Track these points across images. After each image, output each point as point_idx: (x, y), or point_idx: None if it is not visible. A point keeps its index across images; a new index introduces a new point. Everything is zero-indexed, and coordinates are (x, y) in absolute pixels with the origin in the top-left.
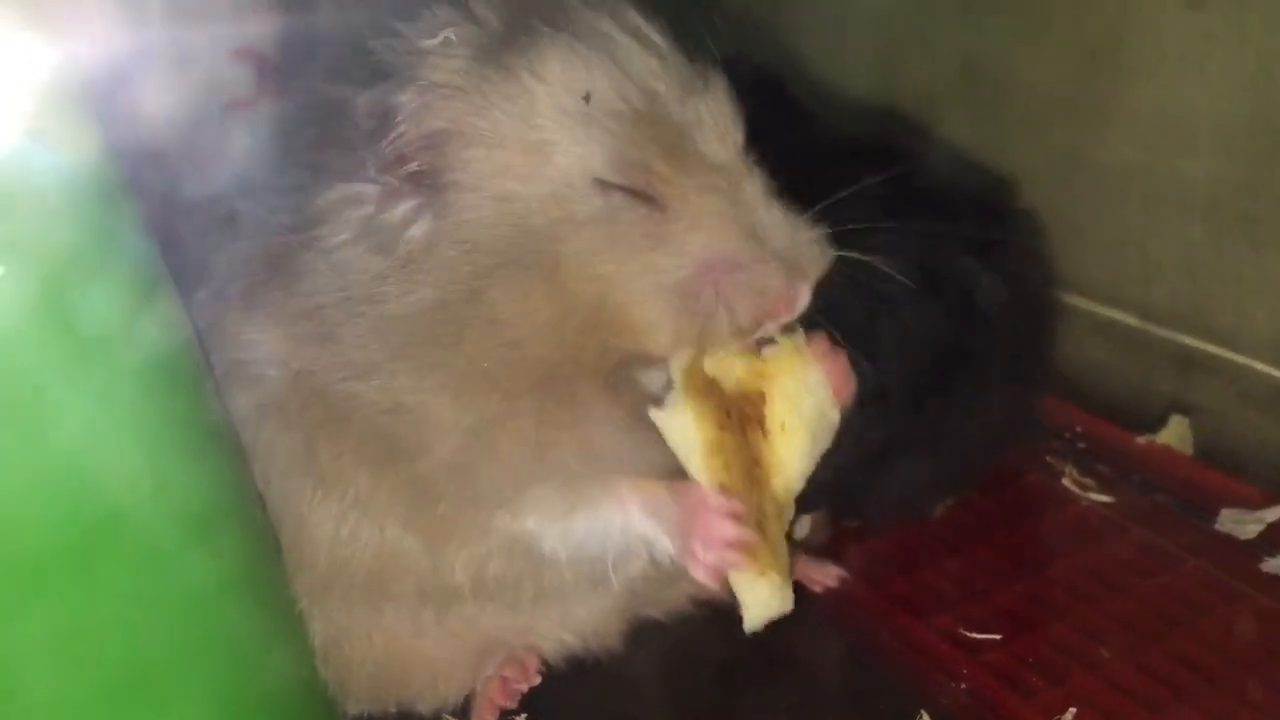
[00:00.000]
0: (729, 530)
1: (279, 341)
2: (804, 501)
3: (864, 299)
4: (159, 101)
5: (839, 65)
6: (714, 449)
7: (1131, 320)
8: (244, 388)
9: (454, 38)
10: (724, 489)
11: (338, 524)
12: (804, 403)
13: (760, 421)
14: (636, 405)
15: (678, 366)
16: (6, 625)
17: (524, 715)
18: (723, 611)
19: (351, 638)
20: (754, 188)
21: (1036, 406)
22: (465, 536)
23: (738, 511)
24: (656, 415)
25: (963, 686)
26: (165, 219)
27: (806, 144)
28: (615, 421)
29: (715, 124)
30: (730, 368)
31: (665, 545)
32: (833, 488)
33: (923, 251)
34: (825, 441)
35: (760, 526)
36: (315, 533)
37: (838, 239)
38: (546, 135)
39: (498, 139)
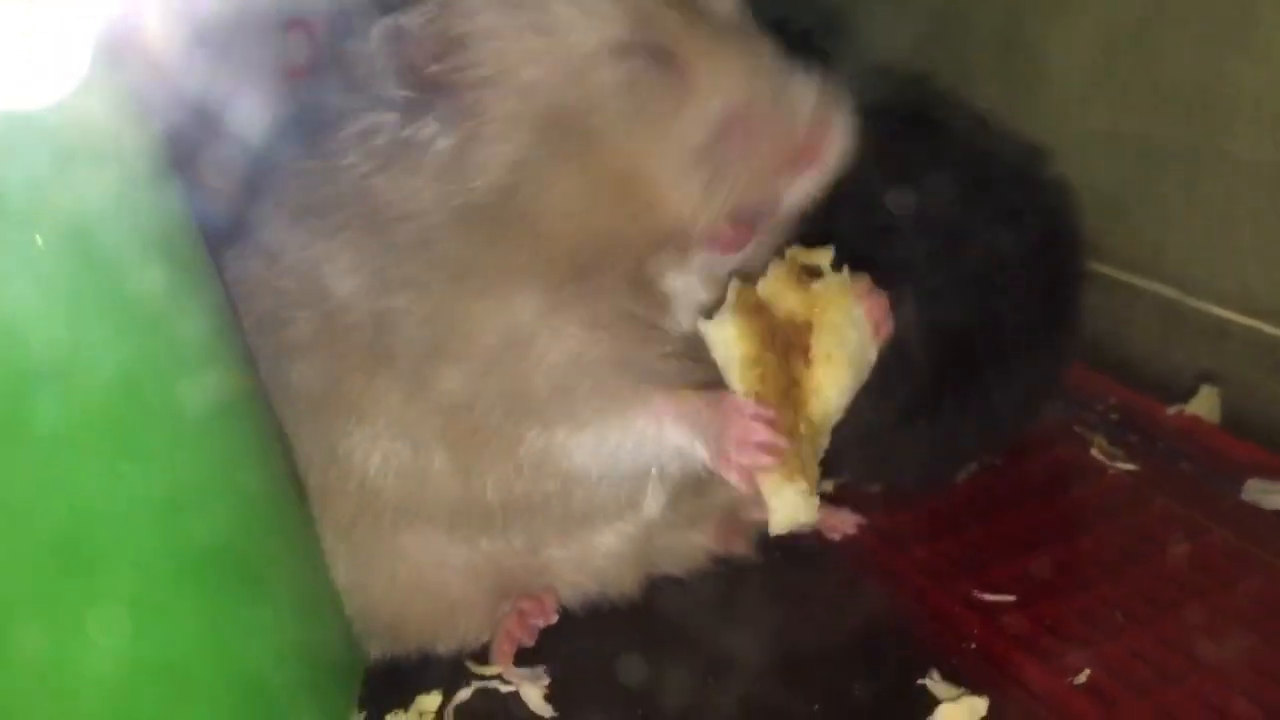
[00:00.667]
0: (761, 433)
1: (308, 282)
2: (827, 465)
3: (886, 260)
4: (206, 67)
5: (879, 37)
6: (753, 362)
7: (1166, 291)
8: (273, 333)
9: None
10: (759, 398)
11: (369, 451)
12: (848, 336)
13: (804, 350)
14: (665, 321)
15: (733, 285)
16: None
17: (543, 667)
18: (738, 567)
19: (376, 576)
20: (766, 46)
21: (1064, 376)
22: (496, 451)
23: (771, 416)
24: (704, 324)
25: (973, 647)
26: (206, 186)
27: None
28: (647, 328)
29: None
30: (781, 296)
31: (699, 451)
32: (856, 450)
33: (947, 214)
34: (862, 377)
35: (793, 439)
36: (345, 464)
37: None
38: (558, 12)
39: (510, 30)
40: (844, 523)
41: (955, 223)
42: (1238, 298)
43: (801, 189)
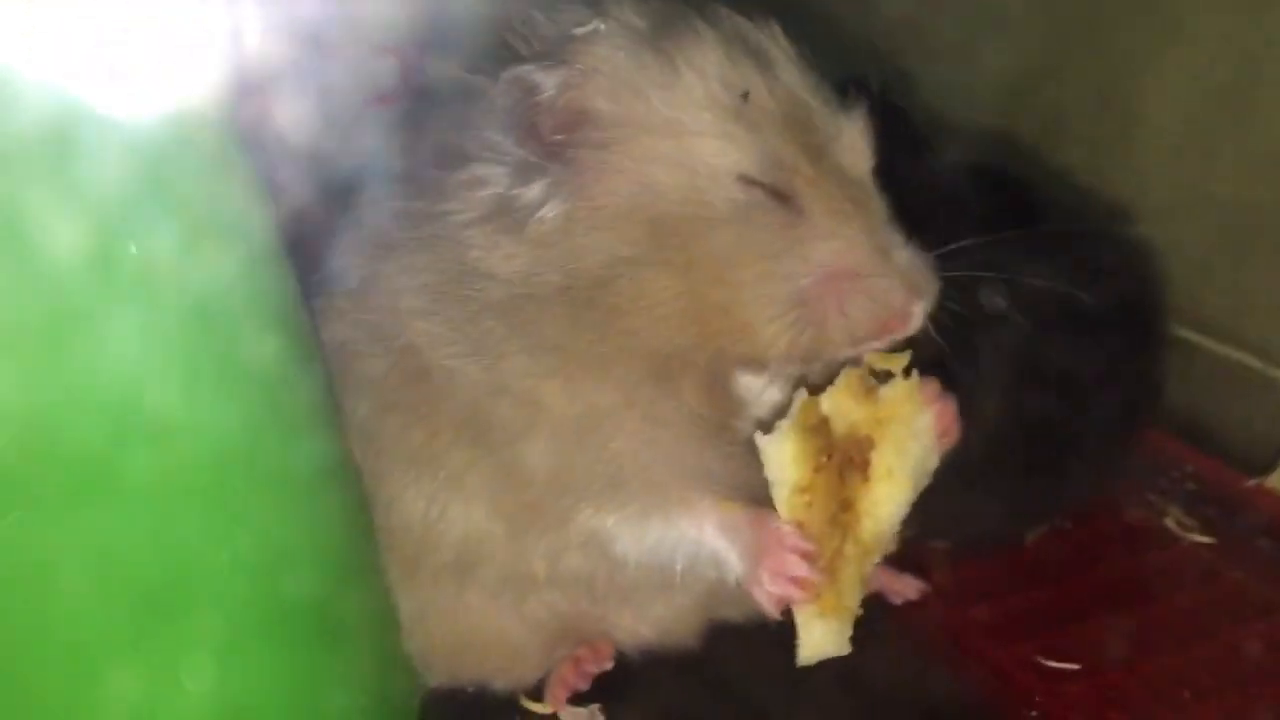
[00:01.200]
0: (798, 567)
1: (387, 318)
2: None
3: (964, 315)
4: (301, 95)
5: (966, 95)
6: (804, 488)
7: (1251, 361)
8: (347, 366)
9: (603, 28)
10: (802, 526)
11: (428, 504)
12: (911, 450)
13: (863, 466)
14: (734, 421)
15: (798, 399)
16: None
17: (597, 705)
18: None
19: (436, 614)
20: (881, 209)
21: (1141, 440)
22: (546, 526)
23: (810, 551)
24: (760, 440)
25: (1033, 714)
26: (299, 212)
27: (920, 171)
28: (709, 434)
29: (853, 142)
30: (847, 410)
31: (735, 567)
32: (924, 506)
33: (1028, 271)
34: (920, 488)
35: (834, 569)
36: (407, 512)
37: (945, 257)
38: (697, 126)
39: (647, 124)
40: (907, 587)
41: (1034, 279)
42: None
43: (876, 347)
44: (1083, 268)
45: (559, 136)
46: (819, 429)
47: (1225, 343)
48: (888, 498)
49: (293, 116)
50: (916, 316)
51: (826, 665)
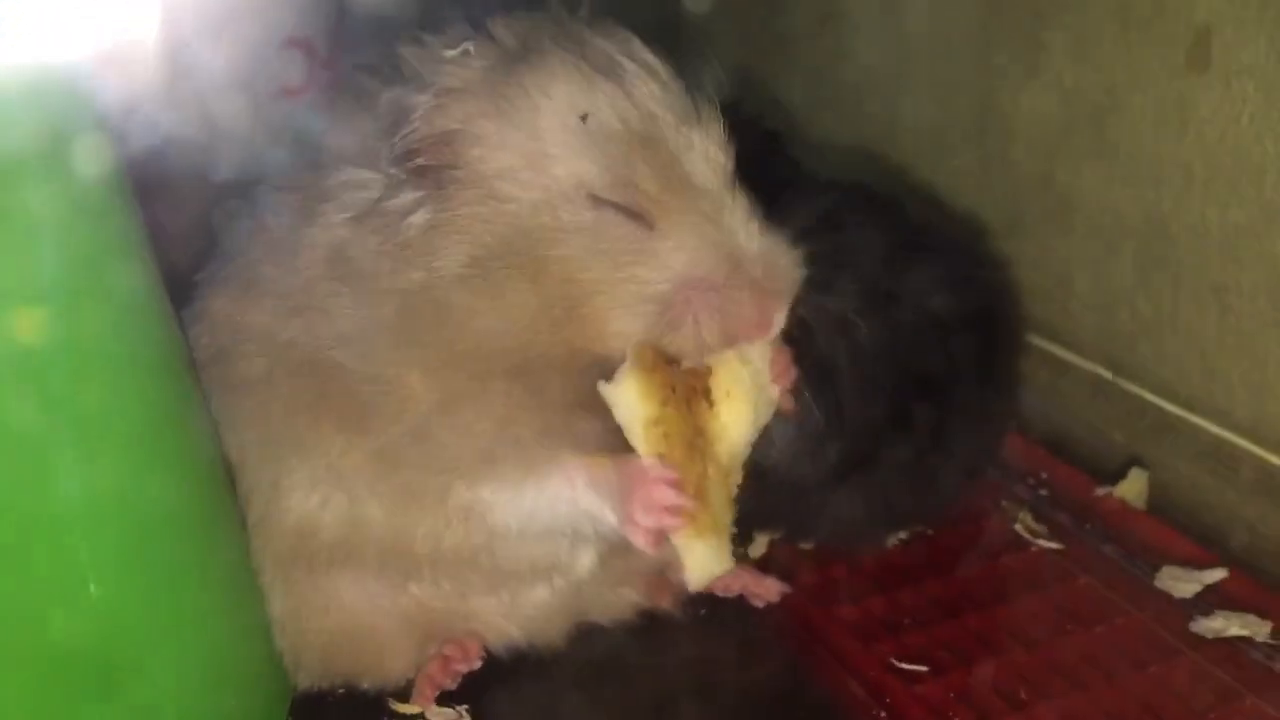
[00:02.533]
0: (666, 496)
1: (268, 317)
2: (759, 520)
3: (822, 318)
4: (208, 86)
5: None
6: (655, 421)
7: (1103, 372)
8: (229, 365)
9: (472, 50)
10: (663, 458)
11: (309, 490)
12: (743, 374)
13: (705, 393)
14: (594, 391)
15: (630, 344)
16: None
17: (465, 706)
18: (662, 621)
19: (309, 611)
20: (737, 213)
21: (1000, 447)
22: (424, 505)
23: (674, 479)
24: (604, 388)
25: (883, 715)
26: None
27: (792, 189)
28: (574, 407)
29: (706, 151)
30: None
31: (608, 517)
32: (789, 506)
33: (886, 277)
34: (766, 415)
35: (701, 493)
36: (287, 500)
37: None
38: (546, 147)
39: (501, 144)
40: (768, 590)
41: (894, 286)
42: (1167, 385)
43: (740, 346)
44: (941, 277)
45: (425, 160)
46: (657, 367)
47: (1082, 354)
48: (734, 416)
49: (198, 106)
50: (773, 322)
51: (688, 664)
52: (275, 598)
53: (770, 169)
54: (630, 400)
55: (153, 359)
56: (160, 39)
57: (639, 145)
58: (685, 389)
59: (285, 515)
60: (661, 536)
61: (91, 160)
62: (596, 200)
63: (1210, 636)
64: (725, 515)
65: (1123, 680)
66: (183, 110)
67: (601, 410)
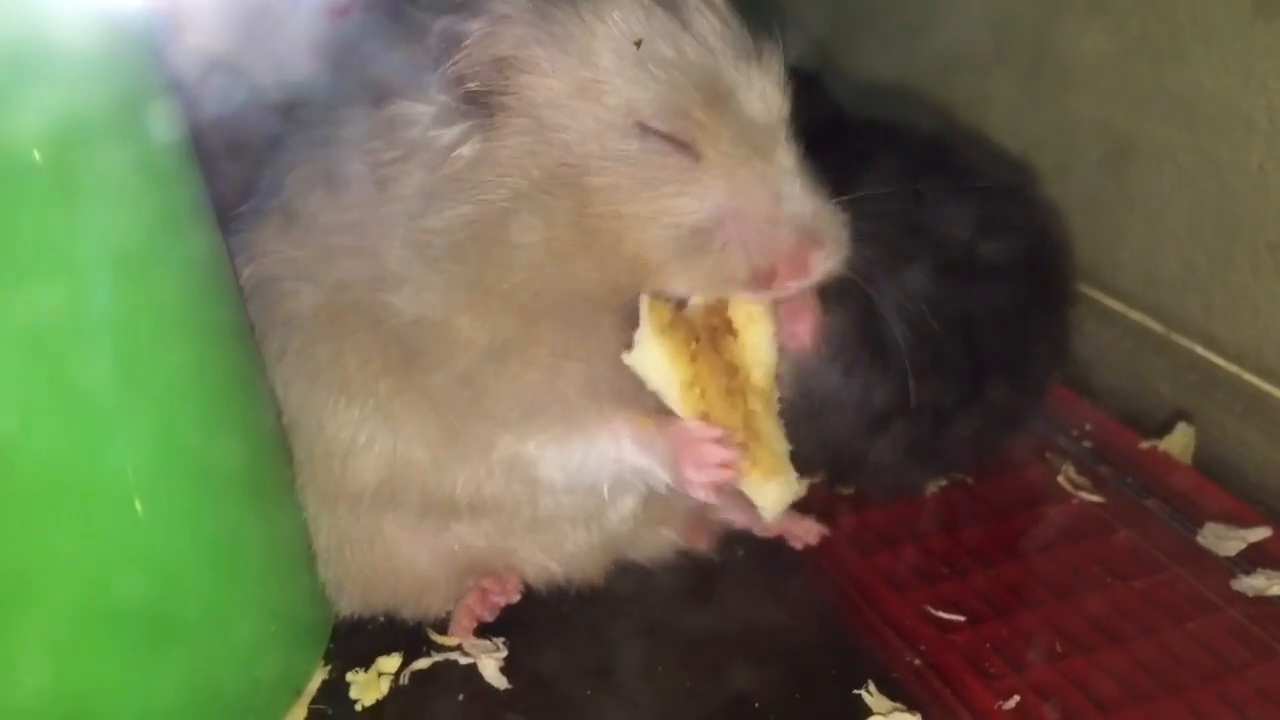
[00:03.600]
0: (716, 454)
1: (316, 254)
2: (799, 464)
3: (867, 263)
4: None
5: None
6: (690, 383)
7: (1154, 324)
8: (276, 301)
9: None
10: (706, 417)
11: (356, 430)
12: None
13: (727, 326)
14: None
15: (644, 307)
16: None
17: (501, 639)
18: (699, 564)
19: (353, 545)
20: (786, 155)
21: (1043, 397)
22: (468, 453)
23: (719, 435)
24: (629, 359)
25: (917, 662)
26: (223, 129)
27: (837, 135)
28: (619, 359)
29: (762, 89)
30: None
31: (660, 475)
32: (829, 452)
33: (931, 221)
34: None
35: (751, 432)
36: (333, 439)
37: (852, 206)
38: (598, 75)
39: (553, 71)
40: (808, 532)
41: (936, 231)
42: (1216, 339)
43: (779, 291)
44: (989, 222)
45: (476, 87)
46: (675, 323)
47: (1131, 305)
48: (759, 339)
49: (239, 29)
50: (816, 265)
51: (722, 607)
52: (320, 530)
53: (809, 111)
54: (659, 366)
55: (218, 323)
56: None
57: (693, 75)
58: (707, 331)
59: (330, 453)
60: (721, 489)
61: (161, 126)
62: (644, 129)
63: (1251, 594)
64: (778, 442)
65: (1161, 635)
66: (232, 34)
67: None
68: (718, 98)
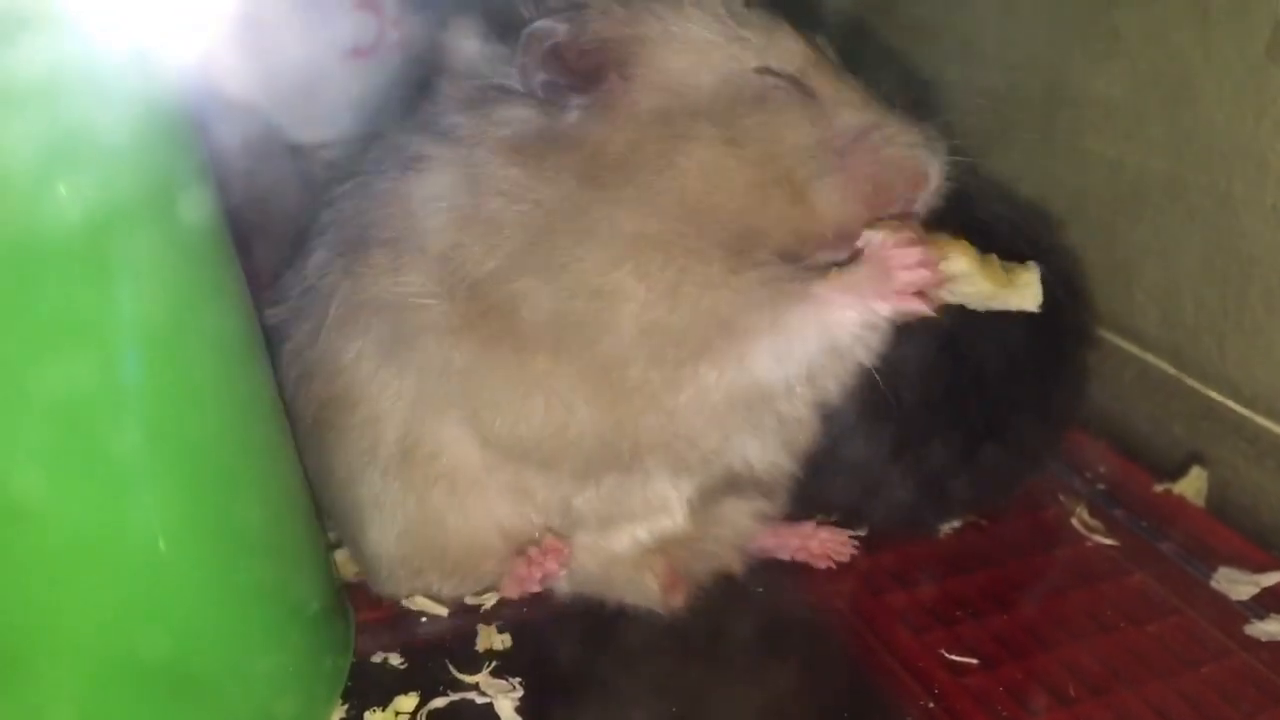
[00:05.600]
0: (913, 253)
1: (439, 268)
2: (812, 503)
3: None
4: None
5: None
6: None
7: (1169, 368)
8: (399, 317)
9: None
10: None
11: (517, 406)
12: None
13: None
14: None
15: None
16: None
17: (518, 679)
18: (715, 597)
19: (428, 528)
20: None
21: (1060, 440)
22: (654, 398)
23: (911, 236)
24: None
25: (930, 705)
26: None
27: None
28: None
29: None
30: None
31: (878, 308)
32: (844, 488)
33: None
34: None
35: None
36: (490, 423)
37: None
38: (706, 34)
39: (664, 41)
40: (824, 545)
41: None
42: (1230, 382)
43: (908, 206)
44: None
45: (584, 64)
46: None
47: (1145, 347)
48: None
49: (268, 71)
50: (936, 168)
51: (740, 643)
52: (395, 518)
53: None
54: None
55: (246, 393)
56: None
57: (790, 29)
58: None
59: (493, 417)
60: (930, 289)
61: (195, 208)
62: (765, 72)
63: (1265, 640)
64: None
65: (1174, 680)
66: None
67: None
68: (810, 47)
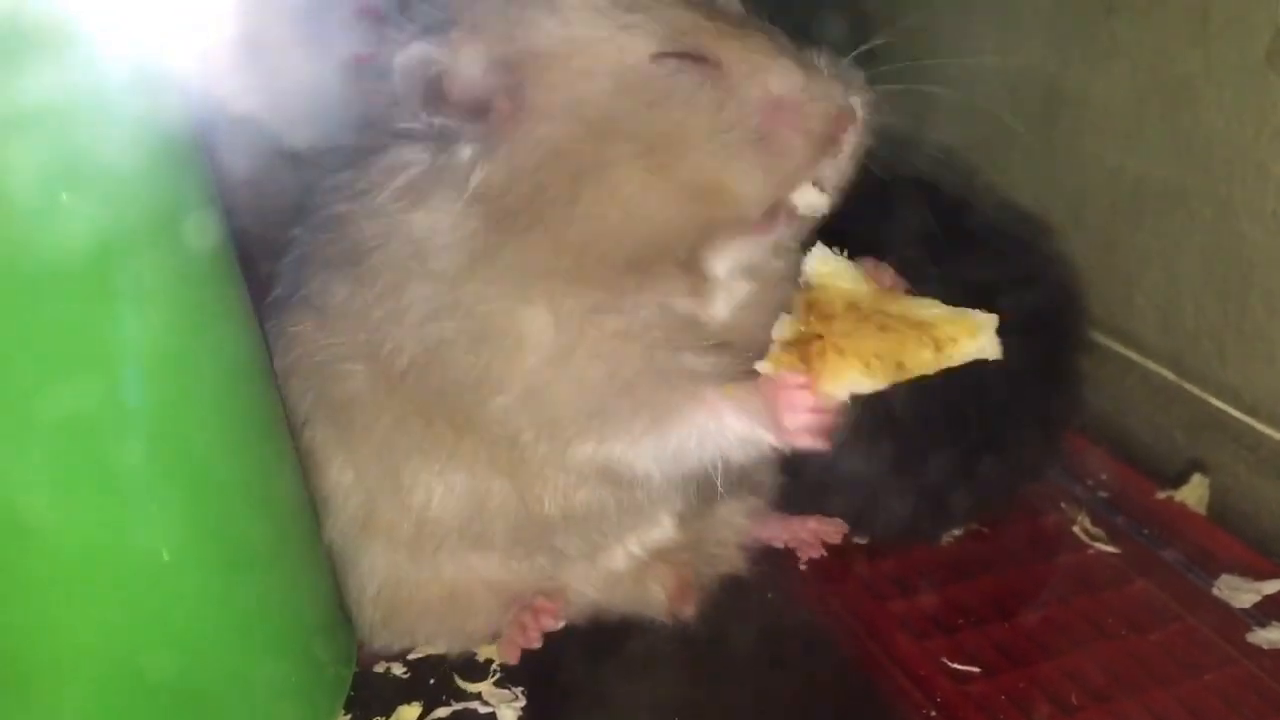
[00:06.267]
0: (806, 399)
1: (358, 332)
2: (813, 512)
3: None
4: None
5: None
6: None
7: (1170, 375)
8: (332, 385)
9: None
10: (781, 366)
11: (433, 482)
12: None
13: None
14: (703, 305)
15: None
16: None
17: (521, 689)
18: (713, 608)
19: (409, 585)
20: (776, 37)
21: (1059, 448)
22: (549, 467)
23: (805, 382)
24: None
25: (933, 714)
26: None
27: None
28: (684, 325)
29: None
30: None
31: (761, 436)
32: (844, 498)
33: (938, 271)
34: None
35: (914, 321)
36: (409, 498)
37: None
38: (591, 32)
39: (548, 52)
40: (813, 535)
41: (947, 282)
42: (1231, 389)
43: (838, 168)
44: (1005, 276)
45: (468, 96)
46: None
47: (1145, 354)
48: (838, 271)
49: (272, 80)
50: (858, 106)
51: (741, 650)
52: (373, 577)
53: None
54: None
55: (251, 411)
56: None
57: None
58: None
59: (405, 511)
60: (818, 433)
61: (201, 231)
62: (661, 59)
63: (1267, 647)
64: (940, 308)
65: (1176, 688)
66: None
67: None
68: (705, 8)
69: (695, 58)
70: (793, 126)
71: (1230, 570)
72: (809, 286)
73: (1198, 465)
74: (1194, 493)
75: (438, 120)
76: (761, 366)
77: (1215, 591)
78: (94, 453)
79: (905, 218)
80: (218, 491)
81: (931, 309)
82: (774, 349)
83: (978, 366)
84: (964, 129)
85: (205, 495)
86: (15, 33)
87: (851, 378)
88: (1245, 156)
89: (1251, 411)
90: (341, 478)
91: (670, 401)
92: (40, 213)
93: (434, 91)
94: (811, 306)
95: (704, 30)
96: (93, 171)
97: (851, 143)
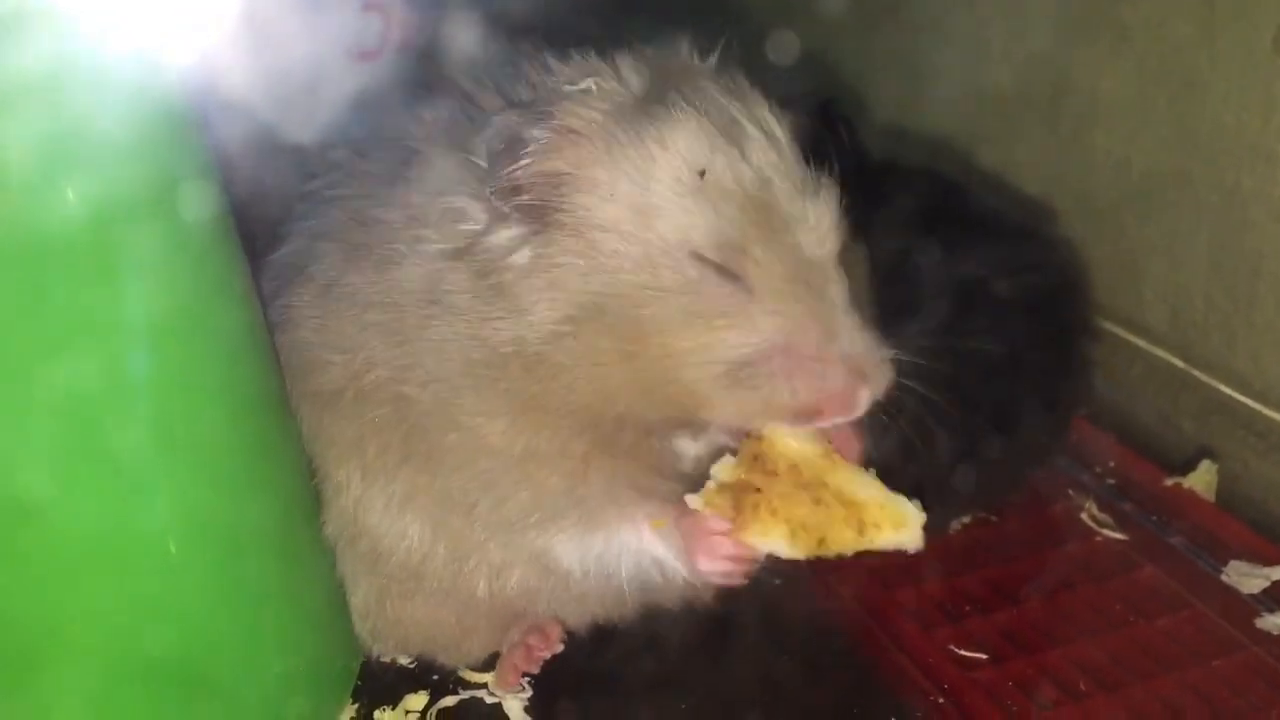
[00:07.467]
0: (726, 546)
1: (351, 327)
2: None
3: (888, 299)
4: (286, 49)
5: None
6: (720, 487)
7: (1178, 362)
8: (307, 371)
9: (594, 89)
10: (714, 507)
11: (383, 514)
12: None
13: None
14: (665, 453)
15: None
16: None
17: (527, 679)
18: (731, 592)
19: (393, 600)
20: (838, 292)
21: (1065, 435)
22: (487, 549)
23: (729, 529)
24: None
25: (940, 700)
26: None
27: (859, 174)
28: (645, 467)
29: (817, 224)
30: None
31: (676, 566)
32: None
33: (953, 262)
34: None
35: (848, 500)
36: (366, 518)
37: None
38: (656, 201)
39: (611, 195)
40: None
41: (955, 270)
42: (1239, 376)
43: (823, 425)
44: (1006, 261)
45: (533, 199)
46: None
47: (1154, 341)
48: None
49: (275, 71)
50: (861, 403)
51: (749, 637)
52: (358, 587)
53: (836, 155)
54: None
55: (252, 390)
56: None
57: (749, 209)
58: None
59: (362, 530)
60: (731, 578)
61: (199, 204)
62: (699, 259)
63: (1275, 633)
64: (877, 491)
65: (1185, 674)
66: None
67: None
68: (772, 232)
69: (730, 273)
70: (785, 377)
71: (1239, 556)
72: (758, 436)
73: (1206, 451)
74: (1202, 479)
75: (499, 200)
76: (692, 501)
77: (1223, 577)
78: (97, 432)
79: (905, 205)
80: (223, 472)
81: (868, 489)
82: (709, 486)
83: (988, 352)
84: (972, 118)
85: (210, 475)
86: (12, 5)
87: (774, 539)
88: (1253, 144)
89: (1260, 398)
90: (335, 499)
91: (605, 514)
92: (38, 186)
93: (510, 175)
94: (756, 459)
95: (751, 254)
96: (91, 144)
97: (836, 423)
